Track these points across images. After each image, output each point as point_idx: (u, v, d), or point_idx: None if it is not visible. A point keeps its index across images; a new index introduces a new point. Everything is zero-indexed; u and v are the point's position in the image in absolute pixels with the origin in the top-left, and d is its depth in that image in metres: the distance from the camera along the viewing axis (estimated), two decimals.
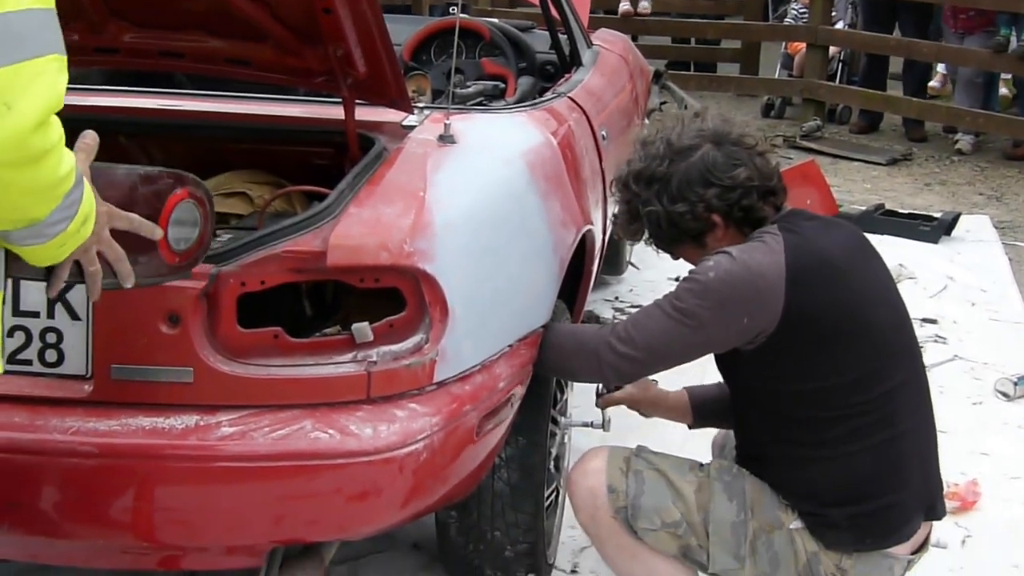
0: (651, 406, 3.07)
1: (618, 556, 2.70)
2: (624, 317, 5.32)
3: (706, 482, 2.64)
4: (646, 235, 2.70)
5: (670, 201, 2.59)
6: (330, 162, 3.01)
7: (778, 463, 2.62)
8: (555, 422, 3.11)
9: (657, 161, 2.62)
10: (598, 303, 5.50)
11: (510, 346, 2.62)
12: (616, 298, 5.60)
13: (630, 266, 5.83)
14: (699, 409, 3.03)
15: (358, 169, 2.56)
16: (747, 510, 2.60)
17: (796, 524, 2.58)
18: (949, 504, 3.64)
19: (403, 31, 4.37)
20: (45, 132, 1.61)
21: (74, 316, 2.32)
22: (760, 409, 2.66)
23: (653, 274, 5.59)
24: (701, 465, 2.71)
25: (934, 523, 3.50)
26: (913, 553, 2.65)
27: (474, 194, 2.62)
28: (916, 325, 5.37)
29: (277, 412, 2.31)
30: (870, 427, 2.53)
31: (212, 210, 2.10)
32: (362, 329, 2.36)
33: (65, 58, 1.63)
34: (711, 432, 3.17)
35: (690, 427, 3.10)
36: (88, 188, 1.78)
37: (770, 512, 2.60)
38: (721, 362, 2.74)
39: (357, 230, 2.35)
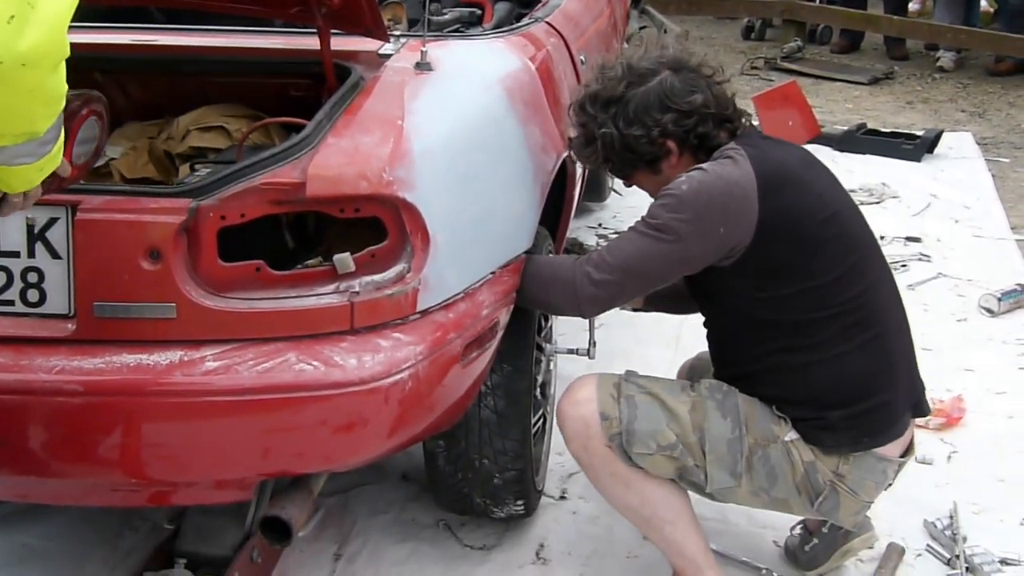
0: None
1: (612, 485, 2.71)
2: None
3: (699, 401, 2.66)
4: (600, 159, 2.70)
5: (626, 124, 2.61)
6: (307, 93, 2.98)
7: (770, 376, 2.65)
8: (540, 349, 3.11)
9: (615, 84, 2.64)
10: (581, 230, 5.50)
11: (493, 273, 2.62)
12: (599, 224, 5.59)
13: (613, 192, 5.81)
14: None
15: (335, 99, 2.53)
16: (741, 426, 2.62)
17: (791, 435, 2.62)
18: (934, 420, 3.70)
19: None
20: (65, 35, 1.64)
21: (55, 255, 2.30)
22: (744, 326, 2.67)
23: (636, 200, 5.52)
24: (692, 385, 2.72)
25: (919, 437, 3.55)
26: (902, 456, 2.70)
27: (452, 121, 2.59)
28: (900, 243, 5.44)
29: (261, 345, 2.30)
30: (856, 326, 2.58)
31: (108, 120, 2.13)
32: (344, 260, 2.35)
33: None
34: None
35: (635, 310, 3.16)
36: None
37: (764, 426, 2.63)
38: (699, 288, 2.75)
39: (336, 160, 2.33)
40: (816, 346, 2.58)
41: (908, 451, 2.74)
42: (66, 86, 1.73)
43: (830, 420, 2.60)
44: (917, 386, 2.76)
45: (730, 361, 2.78)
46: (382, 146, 2.38)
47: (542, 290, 2.74)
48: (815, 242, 2.55)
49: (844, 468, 2.62)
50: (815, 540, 2.98)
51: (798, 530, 3.06)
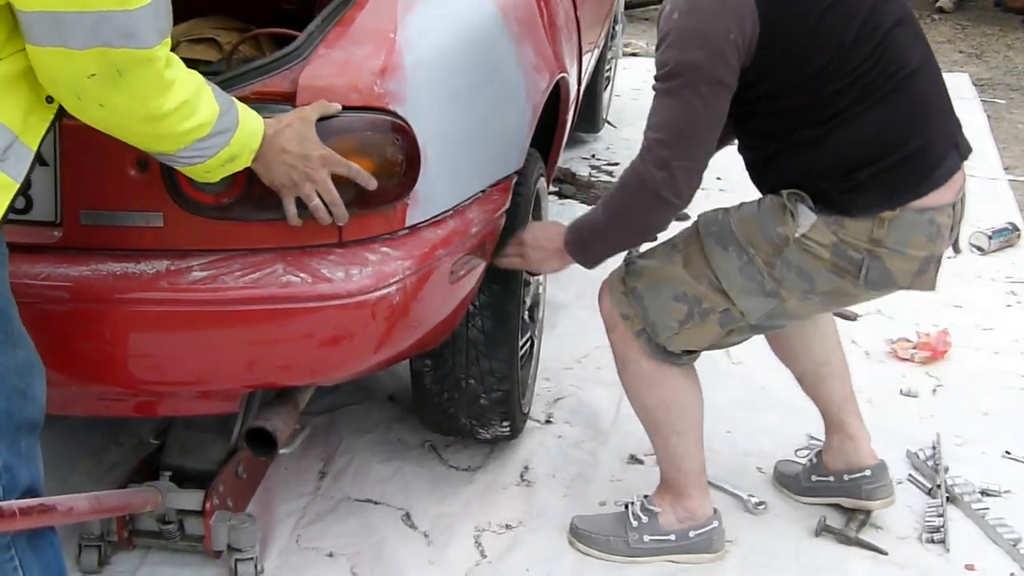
0: None
1: (638, 383, 2.72)
2: (600, 175, 5.32)
3: (692, 248, 2.58)
4: None
5: None
6: (299, 6, 2.95)
7: (793, 154, 2.52)
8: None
9: None
10: (575, 161, 5.48)
11: (483, 191, 2.60)
12: (593, 156, 5.57)
13: (606, 124, 5.79)
14: None
15: (327, 12, 2.49)
16: (746, 249, 2.53)
17: (800, 229, 2.49)
18: (920, 354, 3.71)
19: None
20: (160, 101, 1.91)
21: (41, 162, 2.27)
22: (768, 123, 2.55)
23: (630, 132, 5.55)
24: (683, 232, 2.64)
25: (904, 370, 3.58)
26: (954, 199, 2.57)
27: (445, 36, 2.56)
28: None
29: (248, 256, 2.29)
30: (874, 82, 2.44)
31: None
32: None
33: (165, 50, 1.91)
34: None
35: None
36: (247, 136, 2.10)
37: (768, 235, 2.52)
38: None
39: (327, 71, 2.30)
40: (838, 113, 2.43)
41: (960, 195, 2.60)
42: (183, 127, 1.96)
43: (859, 180, 2.46)
44: (954, 124, 2.63)
45: (759, 165, 2.63)
46: (374, 58, 2.36)
47: (630, 220, 2.55)
48: (815, 14, 2.40)
49: (880, 233, 2.48)
50: (831, 479, 2.97)
51: (805, 456, 3.07)
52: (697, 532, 2.81)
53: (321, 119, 2.22)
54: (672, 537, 2.81)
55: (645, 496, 2.86)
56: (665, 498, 2.82)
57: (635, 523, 2.81)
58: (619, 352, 2.72)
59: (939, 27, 8.48)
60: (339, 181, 2.23)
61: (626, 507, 2.86)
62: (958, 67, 7.43)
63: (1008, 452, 3.28)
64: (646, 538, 2.80)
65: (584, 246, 2.67)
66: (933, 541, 2.90)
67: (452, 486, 3.09)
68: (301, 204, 2.23)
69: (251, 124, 2.12)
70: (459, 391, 2.93)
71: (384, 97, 2.30)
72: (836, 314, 3.95)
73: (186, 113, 1.96)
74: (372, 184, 2.26)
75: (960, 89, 6.84)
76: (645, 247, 2.69)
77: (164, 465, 2.76)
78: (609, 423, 3.38)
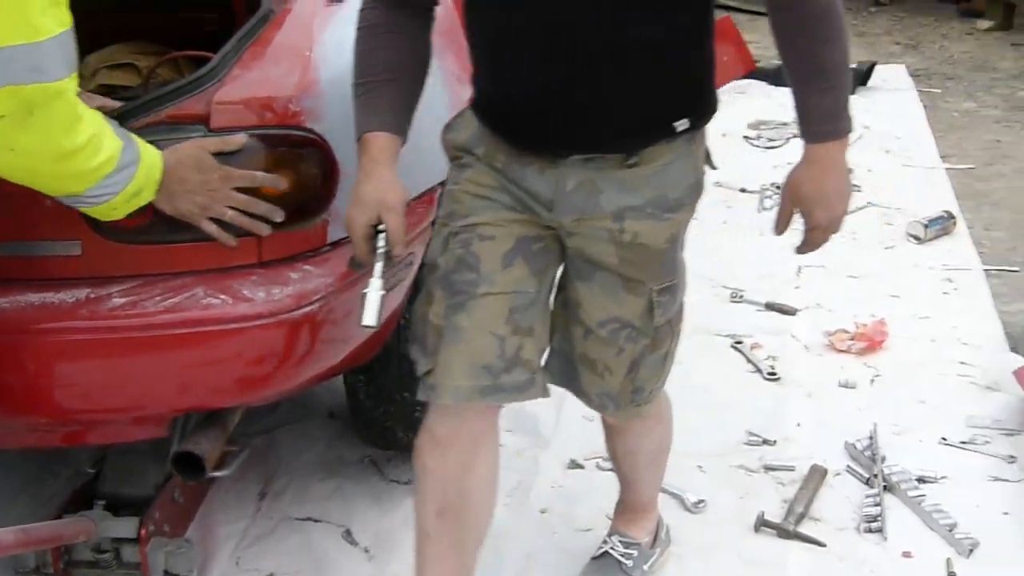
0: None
1: (667, 430, 2.76)
2: None
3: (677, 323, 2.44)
4: None
5: None
6: (219, 28, 2.94)
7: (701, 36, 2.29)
8: None
9: None
10: None
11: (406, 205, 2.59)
12: None
13: None
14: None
15: (243, 31, 2.48)
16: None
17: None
18: (857, 345, 3.73)
19: None
20: (72, 136, 1.91)
21: None
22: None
23: None
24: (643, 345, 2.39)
25: (843, 362, 3.60)
26: None
27: None
28: None
29: (169, 280, 2.28)
30: None
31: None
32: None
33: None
34: None
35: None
36: (148, 168, 2.10)
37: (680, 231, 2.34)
38: None
39: (241, 91, 2.30)
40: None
41: None
42: (92, 164, 1.98)
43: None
44: None
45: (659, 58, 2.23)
46: (289, 76, 2.35)
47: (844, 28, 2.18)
48: None
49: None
50: None
51: None
52: (663, 534, 2.84)
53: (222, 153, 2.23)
54: (657, 551, 2.81)
55: (616, 533, 2.79)
56: (638, 523, 2.79)
57: (628, 562, 2.75)
58: (652, 418, 2.60)
59: (876, 19, 8.56)
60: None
61: (604, 555, 2.76)
62: (895, 58, 7.50)
63: (944, 439, 3.31)
64: (645, 567, 2.77)
65: (845, 117, 2.23)
66: (871, 531, 2.92)
67: (393, 500, 3.09)
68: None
69: (150, 155, 2.13)
70: (394, 404, 2.93)
71: (299, 115, 2.30)
72: (774, 308, 4.00)
73: (94, 148, 1.96)
74: (281, 184, 2.25)
75: (897, 80, 6.91)
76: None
77: (99, 493, 2.73)
78: (550, 429, 3.38)
